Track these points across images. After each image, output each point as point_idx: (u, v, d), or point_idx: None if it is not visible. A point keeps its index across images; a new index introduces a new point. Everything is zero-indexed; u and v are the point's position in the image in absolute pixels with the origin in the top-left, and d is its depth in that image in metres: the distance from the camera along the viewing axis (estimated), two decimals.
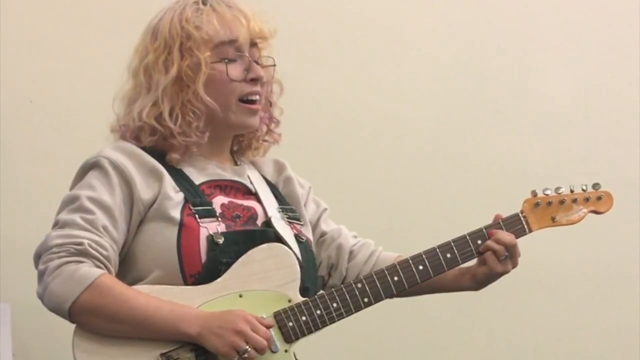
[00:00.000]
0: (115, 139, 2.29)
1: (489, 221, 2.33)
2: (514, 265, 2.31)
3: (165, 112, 2.20)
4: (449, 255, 2.28)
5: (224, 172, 2.29)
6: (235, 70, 2.23)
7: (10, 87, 3.05)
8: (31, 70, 3.09)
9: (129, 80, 2.27)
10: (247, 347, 2.05)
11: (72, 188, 2.21)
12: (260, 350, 2.07)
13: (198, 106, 2.20)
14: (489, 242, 2.28)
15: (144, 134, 2.22)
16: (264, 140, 2.37)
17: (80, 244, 2.08)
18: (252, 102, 2.25)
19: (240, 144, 2.37)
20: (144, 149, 2.23)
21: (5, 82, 3.05)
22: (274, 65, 2.31)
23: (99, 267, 2.09)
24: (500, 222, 2.32)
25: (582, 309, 3.53)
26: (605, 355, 3.54)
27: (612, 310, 3.54)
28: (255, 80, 2.24)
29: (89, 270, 2.06)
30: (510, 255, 2.28)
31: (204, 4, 2.24)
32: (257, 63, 2.26)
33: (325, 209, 2.47)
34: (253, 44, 2.25)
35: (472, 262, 2.32)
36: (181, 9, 2.24)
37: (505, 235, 2.29)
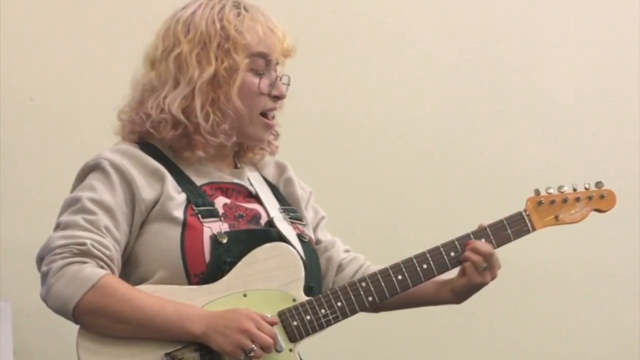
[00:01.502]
0: (124, 126, 2.28)
1: (491, 220, 2.33)
2: (493, 276, 2.29)
3: (197, 107, 2.18)
4: (452, 254, 2.28)
5: (224, 174, 2.28)
6: (263, 84, 2.24)
7: (11, 85, 3.05)
8: (32, 69, 3.08)
9: (148, 67, 2.25)
10: (253, 345, 2.05)
11: (72, 191, 2.20)
12: (266, 349, 2.07)
13: (228, 107, 2.20)
14: (467, 253, 2.27)
15: (166, 126, 2.20)
16: (262, 149, 2.37)
17: (83, 244, 2.07)
18: (269, 117, 2.27)
19: (241, 145, 2.36)
20: (149, 149, 2.22)
21: (6, 81, 3.04)
22: (289, 84, 2.30)
23: (102, 267, 2.08)
24: (504, 221, 2.32)
25: (582, 309, 3.53)
26: (605, 355, 3.54)
27: (612, 310, 3.54)
28: (277, 97, 2.26)
29: (92, 271, 2.06)
30: (488, 266, 2.27)
31: (246, 10, 2.24)
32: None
33: (324, 217, 2.46)
34: (280, 58, 2.27)
35: (453, 273, 2.31)
36: (220, 8, 2.23)
37: (483, 245, 2.27)
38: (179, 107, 2.19)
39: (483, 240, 2.28)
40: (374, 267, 2.39)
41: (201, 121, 2.19)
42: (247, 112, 2.22)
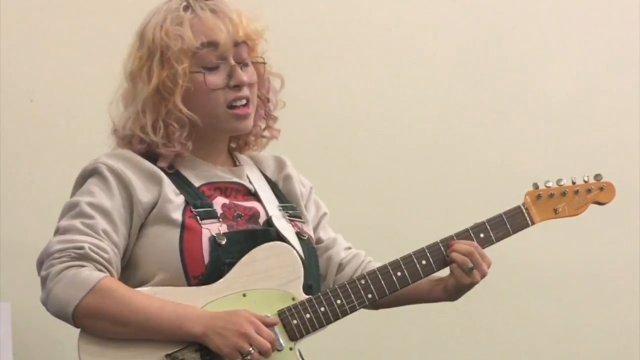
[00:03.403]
0: (117, 141, 2.28)
1: None
2: (482, 274, 2.26)
3: (148, 124, 2.18)
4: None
5: (223, 173, 2.27)
6: (216, 79, 2.19)
7: (11, 86, 3.05)
8: (32, 70, 3.09)
9: (123, 83, 2.26)
10: (251, 349, 2.05)
11: (72, 196, 2.20)
12: (264, 353, 2.07)
13: (180, 117, 2.18)
14: (451, 254, 2.25)
15: (134, 141, 2.21)
16: (262, 136, 2.35)
17: (81, 248, 2.07)
18: (240, 106, 2.22)
19: (237, 142, 2.35)
20: (143, 153, 2.22)
21: (5, 82, 3.05)
22: (264, 63, 2.26)
23: (101, 270, 2.08)
24: (503, 215, 2.30)
25: (582, 309, 3.53)
26: (605, 355, 3.54)
27: (612, 310, 3.54)
28: (238, 87, 2.21)
29: (90, 274, 2.06)
30: (474, 265, 2.25)
31: (185, 10, 2.20)
32: (244, 64, 2.22)
33: (325, 214, 2.44)
34: (238, 45, 2.20)
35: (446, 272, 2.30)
36: (164, 15, 2.20)
37: (461, 246, 2.25)
38: (136, 125, 2.19)
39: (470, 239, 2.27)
40: (374, 264, 2.38)
41: (152, 136, 2.18)
42: (208, 113, 2.19)
